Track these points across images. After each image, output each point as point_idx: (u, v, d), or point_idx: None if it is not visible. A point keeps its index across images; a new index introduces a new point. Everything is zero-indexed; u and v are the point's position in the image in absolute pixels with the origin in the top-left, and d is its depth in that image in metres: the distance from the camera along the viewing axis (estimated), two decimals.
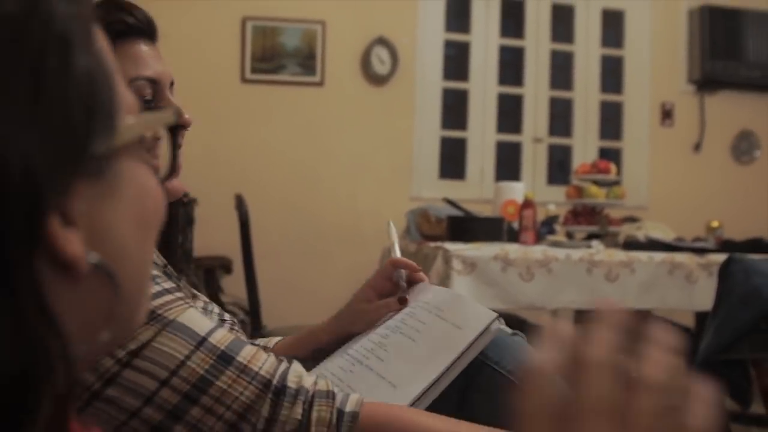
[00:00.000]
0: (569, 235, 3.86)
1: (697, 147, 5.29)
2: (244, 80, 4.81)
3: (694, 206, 5.02)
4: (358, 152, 4.88)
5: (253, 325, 3.29)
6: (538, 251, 3.15)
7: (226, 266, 4.54)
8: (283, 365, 1.04)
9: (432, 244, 3.22)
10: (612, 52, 5.35)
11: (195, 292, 1.25)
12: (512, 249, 3.13)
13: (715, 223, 3.99)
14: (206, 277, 4.32)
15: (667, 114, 5.27)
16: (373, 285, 1.40)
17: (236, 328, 1.26)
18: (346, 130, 4.89)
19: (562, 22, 5.30)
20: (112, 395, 0.95)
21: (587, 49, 5.28)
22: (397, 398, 1.17)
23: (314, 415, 1.01)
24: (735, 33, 5.21)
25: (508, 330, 1.32)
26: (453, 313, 1.29)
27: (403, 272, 1.38)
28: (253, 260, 3.33)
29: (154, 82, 1.14)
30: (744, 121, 5.35)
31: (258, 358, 1.02)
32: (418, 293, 1.39)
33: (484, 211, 3.90)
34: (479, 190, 5.03)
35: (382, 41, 4.89)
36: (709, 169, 5.29)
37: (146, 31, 1.15)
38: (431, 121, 5.04)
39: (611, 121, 5.38)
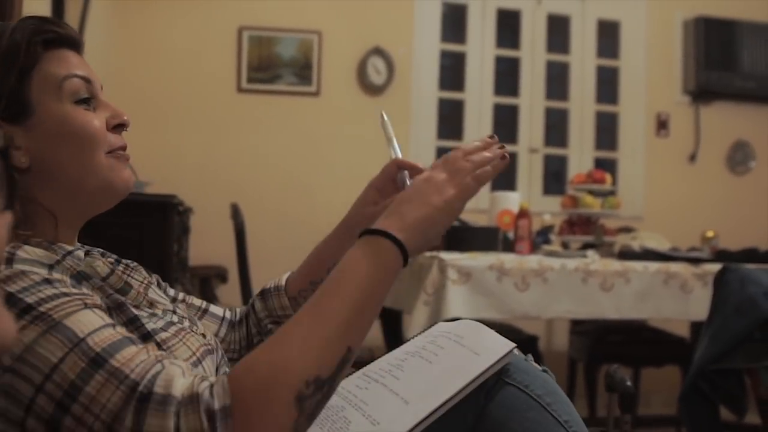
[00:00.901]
0: (564, 245, 3.86)
1: (693, 157, 5.30)
2: (240, 90, 4.81)
3: (690, 216, 5.04)
4: (354, 162, 4.88)
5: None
6: (533, 261, 3.15)
7: (221, 275, 4.53)
8: (156, 367, 0.92)
9: (427, 254, 3.22)
10: (607, 62, 5.37)
11: (153, 298, 1.22)
12: (507, 259, 3.13)
13: (710, 233, 4.00)
14: (202, 286, 4.31)
15: (662, 124, 5.29)
16: (377, 186, 1.38)
17: (185, 330, 1.18)
18: (342, 140, 4.89)
19: (558, 33, 5.32)
20: (2, 405, 0.92)
21: (583, 60, 5.29)
22: (408, 413, 1.17)
23: (183, 426, 0.88)
24: (730, 44, 5.23)
25: (538, 366, 1.33)
26: (472, 340, 1.30)
27: (407, 173, 1.32)
28: (248, 269, 3.33)
29: (87, 81, 1.16)
30: (739, 132, 5.37)
31: (135, 359, 0.92)
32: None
33: (479, 221, 3.90)
34: (475, 200, 4.97)
35: (378, 51, 4.91)
36: (704, 179, 5.30)
37: (74, 43, 1.19)
38: (427, 131, 5.04)
39: (607, 131, 5.39)
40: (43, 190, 1.11)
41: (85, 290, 1.01)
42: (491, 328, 1.36)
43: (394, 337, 3.78)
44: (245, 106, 4.81)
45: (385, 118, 1.40)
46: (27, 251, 1.01)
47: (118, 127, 1.17)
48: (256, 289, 3.32)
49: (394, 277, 1.03)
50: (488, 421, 1.25)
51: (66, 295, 0.96)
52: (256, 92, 4.82)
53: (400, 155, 1.36)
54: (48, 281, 0.97)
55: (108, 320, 0.98)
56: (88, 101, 1.15)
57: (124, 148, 1.18)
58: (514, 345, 1.26)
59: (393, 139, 1.37)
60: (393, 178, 1.36)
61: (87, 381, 0.90)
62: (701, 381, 2.55)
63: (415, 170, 1.31)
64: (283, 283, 1.43)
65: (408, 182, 1.28)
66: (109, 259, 1.22)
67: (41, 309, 0.93)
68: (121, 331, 0.97)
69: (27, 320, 0.93)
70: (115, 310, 1.07)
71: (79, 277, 1.04)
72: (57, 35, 1.15)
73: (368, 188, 1.39)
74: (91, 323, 0.95)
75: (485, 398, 1.25)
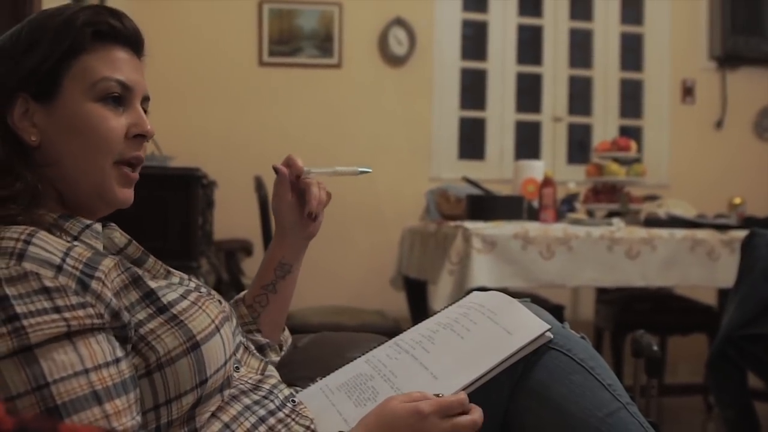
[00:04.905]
0: (590, 213, 3.84)
1: (719, 124, 5.24)
2: (262, 63, 4.80)
3: (716, 184, 4.98)
4: (377, 134, 4.87)
5: None
6: (558, 229, 3.14)
7: (246, 249, 4.56)
8: None
9: (452, 224, 3.22)
10: (632, 29, 5.30)
11: (168, 267, 1.22)
12: (532, 227, 3.12)
13: (737, 200, 3.96)
14: (227, 260, 4.34)
15: (688, 91, 5.22)
16: (282, 182, 1.45)
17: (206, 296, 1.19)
18: (365, 112, 4.88)
19: (581, 0, 5.26)
20: None
21: (606, 27, 5.23)
22: (437, 389, 1.17)
23: None
24: (757, 8, 5.14)
25: (575, 333, 1.33)
26: (506, 317, 1.29)
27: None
28: None
29: (124, 86, 1.13)
30: (766, 98, 5.29)
31: (91, 427, 0.93)
32: (472, 297, 1.41)
33: (503, 190, 3.89)
34: (499, 170, 5.02)
35: (399, 22, 4.88)
36: (731, 146, 5.24)
37: (131, 40, 1.16)
38: (450, 102, 5.02)
39: (631, 99, 5.33)
40: (47, 171, 1.10)
41: (88, 298, 0.98)
42: (515, 297, 1.36)
43: (420, 308, 3.79)
44: (267, 80, 4.80)
45: (363, 169, 1.51)
46: (41, 244, 0.99)
47: (139, 137, 1.15)
48: None
49: None
50: (532, 383, 1.25)
51: (57, 311, 0.95)
52: (278, 65, 4.82)
53: (317, 170, 1.48)
54: (46, 291, 0.96)
55: (88, 360, 0.95)
56: (118, 101, 1.13)
57: (137, 161, 1.16)
58: (548, 326, 1.25)
59: (336, 167, 1.49)
60: (282, 174, 1.45)
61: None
62: (728, 347, 2.53)
63: (293, 168, 1.45)
64: (242, 295, 1.46)
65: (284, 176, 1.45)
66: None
67: (24, 322, 0.93)
68: (100, 378, 0.95)
69: (7, 329, 0.92)
70: (132, 284, 1.06)
71: (91, 268, 1.01)
72: (111, 29, 1.13)
73: (273, 191, 1.48)
74: (64, 366, 0.94)
75: (523, 366, 1.25)
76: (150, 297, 1.07)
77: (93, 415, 0.93)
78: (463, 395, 1.14)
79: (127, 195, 1.15)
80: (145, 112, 1.18)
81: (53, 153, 1.10)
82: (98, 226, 1.13)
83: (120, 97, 1.13)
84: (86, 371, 0.95)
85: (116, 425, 0.95)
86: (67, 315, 0.95)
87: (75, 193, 1.12)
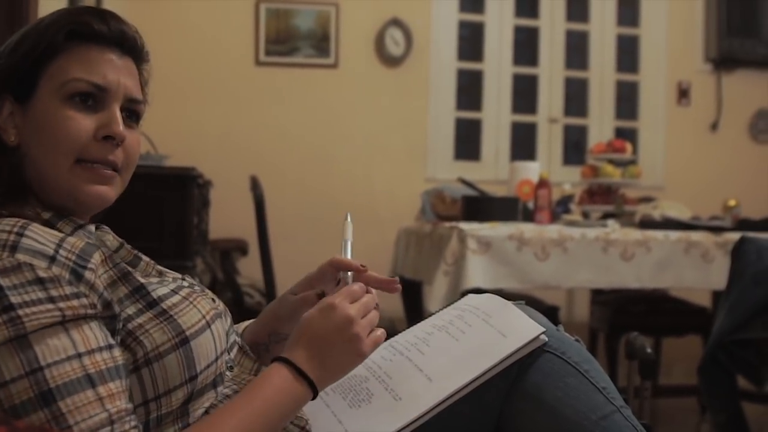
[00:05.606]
0: (585, 215, 3.84)
1: (714, 126, 5.25)
2: (258, 63, 4.81)
3: (711, 186, 4.99)
4: (373, 134, 4.87)
5: None
6: (553, 231, 3.14)
7: (242, 248, 4.56)
8: (104, 430, 0.93)
9: (447, 224, 3.22)
10: (628, 31, 5.31)
11: (161, 269, 1.21)
12: (527, 228, 3.12)
13: (732, 202, 3.96)
14: (222, 259, 4.34)
15: (683, 93, 5.24)
16: (312, 283, 1.33)
17: (201, 295, 1.17)
18: (361, 112, 4.89)
19: (577, 1, 5.27)
20: None
21: (603, 29, 5.24)
22: (431, 391, 1.18)
23: None
24: (752, 10, 5.15)
25: (570, 336, 1.34)
26: (501, 320, 1.29)
27: (350, 274, 1.26)
28: (268, 242, 3.34)
29: (98, 87, 1.09)
30: (762, 100, 5.31)
31: (86, 409, 0.92)
32: (470, 299, 1.40)
33: (498, 191, 3.89)
34: (494, 171, 5.02)
35: (396, 22, 4.88)
36: (726, 148, 5.25)
37: (116, 41, 1.13)
38: (446, 102, 5.03)
39: (627, 101, 5.35)
40: (25, 171, 1.10)
41: (81, 288, 0.98)
42: (510, 299, 1.36)
43: (415, 309, 3.79)
44: (264, 79, 4.81)
45: (349, 220, 1.39)
46: (33, 236, 0.99)
47: (108, 139, 1.09)
48: (276, 261, 3.34)
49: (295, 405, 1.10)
50: (526, 386, 1.25)
51: (51, 300, 0.95)
52: (275, 65, 4.82)
53: (347, 256, 1.31)
54: (40, 281, 0.95)
55: (81, 345, 0.96)
56: (88, 101, 1.09)
57: (107, 163, 1.10)
58: (542, 329, 1.26)
59: (348, 241, 1.35)
60: (326, 274, 1.33)
61: (28, 413, 0.90)
62: (719, 352, 2.54)
63: (356, 270, 1.27)
64: (240, 331, 1.38)
65: (349, 281, 1.25)
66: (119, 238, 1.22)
67: (19, 312, 0.93)
68: (93, 362, 0.96)
69: (2, 319, 0.92)
70: (121, 280, 1.06)
71: (83, 260, 1.01)
72: (89, 29, 1.10)
73: (301, 282, 1.35)
74: (57, 350, 0.94)
75: (518, 368, 1.26)
76: (139, 292, 1.07)
77: (87, 398, 0.93)
78: (358, 284, 1.17)
79: (99, 191, 1.11)
80: (136, 113, 1.16)
81: (27, 154, 1.09)
82: (91, 227, 1.13)
83: (92, 98, 1.09)
84: (79, 355, 0.95)
85: (110, 407, 0.95)
86: (61, 305, 0.95)
87: (50, 193, 1.10)
